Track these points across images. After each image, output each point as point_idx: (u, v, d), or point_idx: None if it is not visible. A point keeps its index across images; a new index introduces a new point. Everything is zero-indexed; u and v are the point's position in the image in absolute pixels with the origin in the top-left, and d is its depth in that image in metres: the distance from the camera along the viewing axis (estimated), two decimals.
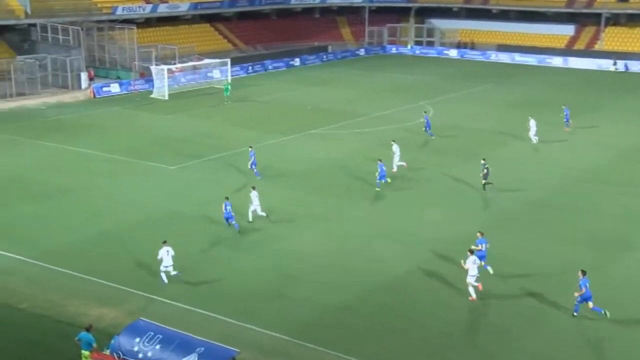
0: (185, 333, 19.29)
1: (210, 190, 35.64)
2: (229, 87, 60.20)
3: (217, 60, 67.28)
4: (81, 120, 51.08)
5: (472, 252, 24.52)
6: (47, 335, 22.00)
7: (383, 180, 35.71)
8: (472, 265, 24.14)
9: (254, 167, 37.23)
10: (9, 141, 44.33)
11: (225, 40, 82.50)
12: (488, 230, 27.64)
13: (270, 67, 77.07)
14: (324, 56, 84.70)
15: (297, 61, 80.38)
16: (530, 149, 43.64)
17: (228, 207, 29.98)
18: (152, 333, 18.79)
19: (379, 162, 35.85)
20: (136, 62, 65.93)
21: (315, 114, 54.25)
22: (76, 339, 19.60)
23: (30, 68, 59.61)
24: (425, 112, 47.60)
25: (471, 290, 24.27)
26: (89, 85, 62.10)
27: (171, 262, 25.57)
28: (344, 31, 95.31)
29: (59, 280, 25.10)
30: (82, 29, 64.87)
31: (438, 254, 27.90)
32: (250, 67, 74.59)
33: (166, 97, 59.53)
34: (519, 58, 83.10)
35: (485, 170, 35.22)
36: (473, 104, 58.14)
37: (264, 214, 30.89)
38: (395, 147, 38.88)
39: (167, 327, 19.52)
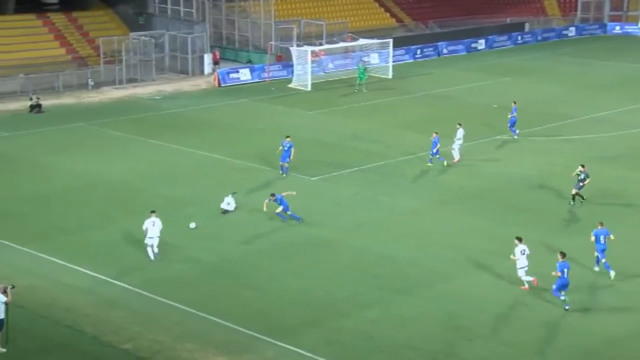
0: None
1: (364, 210, 36.31)
2: (365, 70, 61.10)
3: (376, 41, 68.34)
4: (202, 114, 53.72)
5: (520, 240, 28.32)
6: None
7: (437, 157, 41.47)
8: (520, 256, 28.17)
9: (285, 161, 40.09)
10: (117, 139, 47.44)
11: (388, 15, 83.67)
12: None
13: (445, 50, 77.28)
14: (519, 37, 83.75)
15: (481, 43, 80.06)
16: None
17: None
18: None
19: (435, 134, 41.18)
20: (272, 42, 68.35)
21: (504, 115, 53.60)
22: None
23: (144, 48, 63.47)
24: (514, 103, 47.76)
25: (524, 278, 28.31)
26: (213, 70, 65.22)
27: (157, 234, 30.29)
28: (548, 3, 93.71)
29: (171, 316, 26.57)
30: (208, 0, 68.16)
31: None
32: (418, 50, 75.19)
33: (308, 88, 61.26)
34: None
35: (583, 178, 35.93)
36: None
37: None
38: (460, 132, 42.78)
39: None
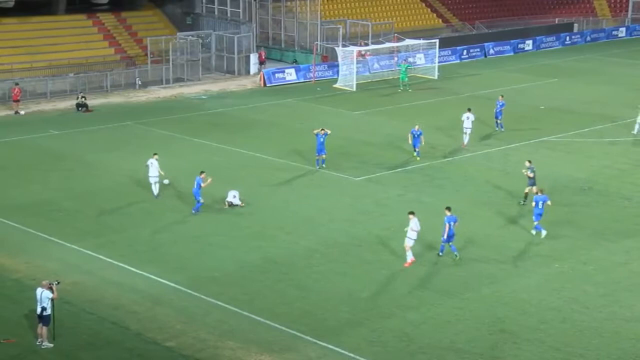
0: None
1: (407, 211, 36.17)
2: (408, 69, 61.02)
3: (422, 42, 68.20)
4: (248, 114, 54.01)
5: (413, 213, 30.50)
6: None
7: (416, 149, 42.65)
8: (412, 229, 30.24)
9: (322, 153, 41.25)
10: (163, 138, 47.87)
11: (435, 15, 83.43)
12: None
13: (492, 51, 76.84)
14: (567, 37, 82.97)
15: (528, 44, 79.46)
16: None
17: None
18: None
19: (417, 127, 42.40)
20: (318, 42, 68.49)
21: (551, 116, 53.31)
22: None
23: (191, 48, 64.06)
24: (502, 97, 49.43)
25: (409, 255, 30.34)
26: (259, 70, 65.52)
27: (156, 174, 36.22)
28: (598, 3, 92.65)
29: (214, 315, 26.74)
30: (255, 0, 68.56)
31: None
32: (465, 51, 74.86)
33: (353, 88, 61.26)
34: None
35: (532, 175, 36.12)
36: None
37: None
38: (465, 116, 45.28)
39: None
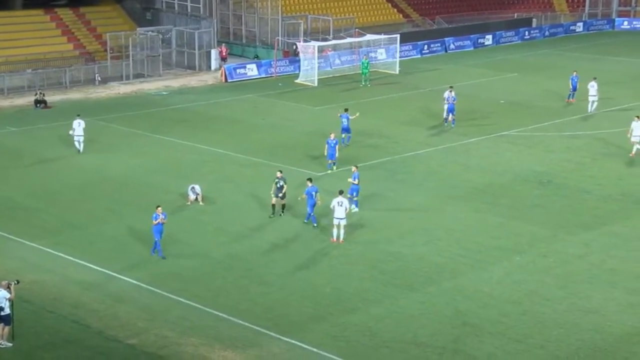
0: None
1: (371, 206, 36.27)
2: (369, 64, 61.19)
3: (383, 37, 68.40)
4: (209, 110, 53.78)
5: (341, 192, 32.16)
6: None
7: (332, 160, 40.39)
8: (337, 207, 31.48)
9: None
10: (124, 135, 47.52)
11: (395, 10, 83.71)
12: None
13: (452, 46, 77.23)
14: (526, 32, 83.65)
15: (488, 39, 80.00)
16: None
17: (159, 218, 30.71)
18: None
19: (332, 135, 40.57)
20: (279, 38, 68.38)
21: (511, 111, 53.71)
22: None
23: (151, 43, 63.61)
24: (451, 87, 49.48)
25: (334, 232, 31.79)
26: (220, 66, 65.26)
27: (82, 133, 41.85)
28: None
29: (176, 311, 26.62)
30: None
31: None
32: (425, 46, 75.16)
33: (315, 84, 61.25)
34: None
35: (278, 185, 34.43)
36: None
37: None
38: (446, 93, 48.16)
39: None
